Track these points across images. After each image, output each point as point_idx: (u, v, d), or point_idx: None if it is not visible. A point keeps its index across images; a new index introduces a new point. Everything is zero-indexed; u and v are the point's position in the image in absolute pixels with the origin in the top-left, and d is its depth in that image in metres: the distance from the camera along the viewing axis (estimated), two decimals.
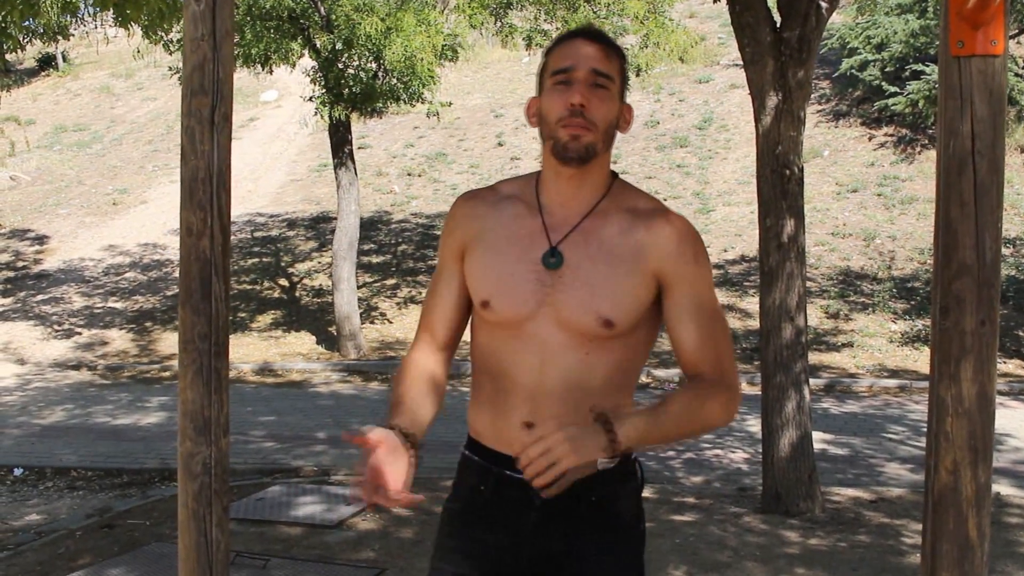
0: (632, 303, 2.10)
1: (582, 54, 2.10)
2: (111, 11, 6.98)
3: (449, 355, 2.31)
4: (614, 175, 2.21)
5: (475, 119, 23.83)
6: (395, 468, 1.94)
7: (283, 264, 18.24)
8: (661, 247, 2.11)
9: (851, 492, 7.13)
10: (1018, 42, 20.59)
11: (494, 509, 2.20)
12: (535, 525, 2.16)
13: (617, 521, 2.19)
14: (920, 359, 12.92)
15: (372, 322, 15.41)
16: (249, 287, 17.24)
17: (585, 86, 2.07)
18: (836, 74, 21.64)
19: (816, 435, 6.89)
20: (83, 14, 12.75)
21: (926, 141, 19.34)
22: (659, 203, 2.21)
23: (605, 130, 2.10)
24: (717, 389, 2.11)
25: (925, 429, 2.10)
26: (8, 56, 9.00)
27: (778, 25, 6.30)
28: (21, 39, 8.54)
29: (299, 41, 13.56)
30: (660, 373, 12.64)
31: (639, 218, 2.14)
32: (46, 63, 32.86)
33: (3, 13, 6.93)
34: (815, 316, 14.08)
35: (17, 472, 8.62)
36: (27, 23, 9.10)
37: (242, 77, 17.47)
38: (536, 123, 2.16)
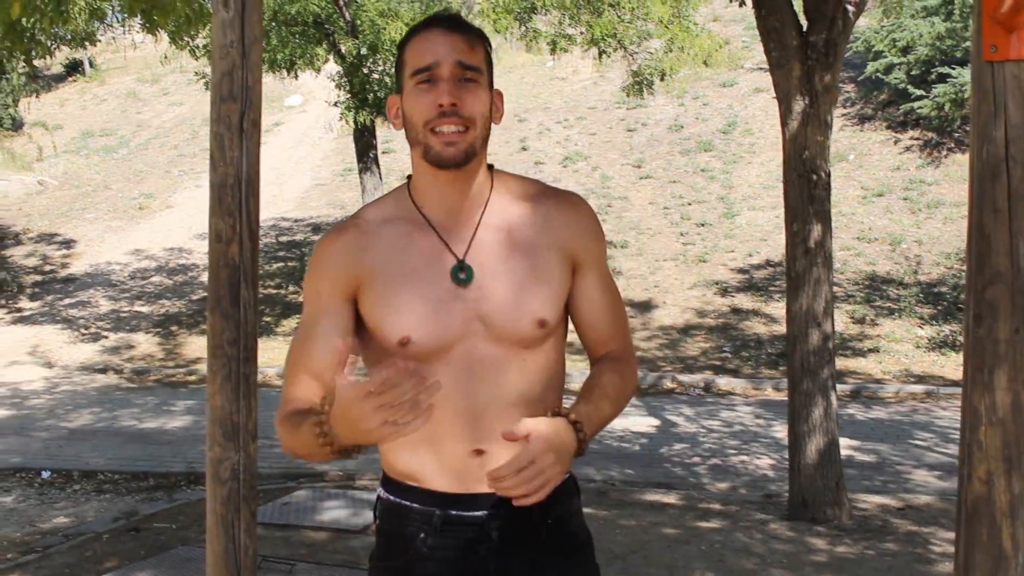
0: (558, 292, 1.96)
1: (444, 47, 1.87)
2: (138, 17, 7.03)
3: None
4: (489, 166, 2.02)
5: (499, 124, 23.83)
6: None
7: (308, 268, 18.31)
8: (571, 228, 1.98)
9: (878, 499, 7.08)
10: None
11: (444, 557, 1.97)
12: (495, 562, 1.97)
13: (575, 540, 2.05)
14: (947, 364, 12.82)
15: None
16: (274, 291, 17.31)
17: (452, 83, 1.86)
18: (861, 77, 21.53)
19: (843, 441, 6.84)
20: (111, 20, 12.85)
21: (952, 145, 19.20)
22: (547, 184, 2.08)
23: (483, 125, 1.90)
24: (627, 364, 2.04)
25: (953, 435, 2.08)
26: (36, 62, 9.07)
27: (804, 29, 6.27)
28: (50, 45, 8.61)
29: (324, 46, 13.63)
30: (684, 378, 12.59)
31: (538, 202, 2.00)
32: (73, 69, 33.12)
33: (33, 20, 6.99)
34: (841, 321, 13.99)
35: (45, 475, 8.68)
36: (55, 29, 9.17)
37: (267, 82, 17.53)
38: (400, 125, 1.95)
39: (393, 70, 13.49)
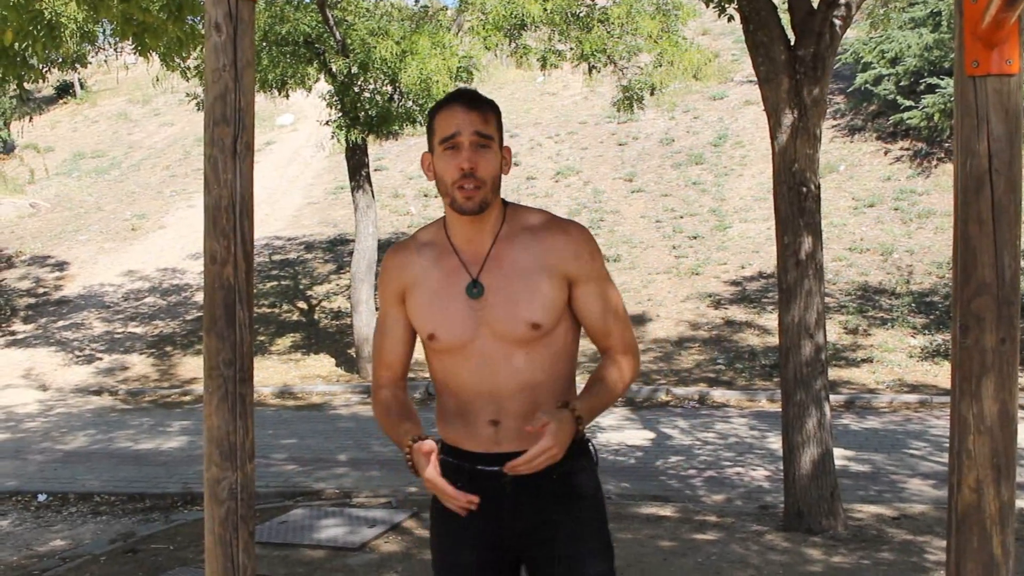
0: (551, 304, 2.50)
1: (464, 120, 2.44)
2: (130, 40, 7.05)
3: (406, 382, 2.75)
4: (504, 203, 2.58)
5: (507, 174, 23.86)
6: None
7: (301, 287, 18.31)
8: (562, 253, 2.51)
9: (873, 509, 7.09)
10: None
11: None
12: (510, 507, 2.53)
13: (579, 491, 2.57)
14: (940, 373, 12.85)
15: None
16: (268, 310, 17.31)
17: (471, 150, 2.43)
18: (851, 89, 21.63)
19: (837, 452, 6.86)
20: (102, 43, 12.88)
21: (942, 154, 19.29)
22: (549, 214, 2.61)
23: (492, 182, 2.47)
24: (626, 359, 2.60)
25: (947, 444, 2.10)
26: (27, 84, 9.09)
27: (792, 43, 6.31)
28: (41, 69, 8.64)
29: (315, 65, 13.65)
30: (679, 391, 12.61)
31: (537, 233, 2.54)
32: (64, 91, 33.16)
33: (25, 45, 7.01)
34: (834, 332, 14.03)
35: (41, 498, 8.67)
36: (47, 52, 9.19)
37: (258, 101, 17.51)
38: (432, 178, 2.54)
39: (377, 88, 13.62)
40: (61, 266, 20.29)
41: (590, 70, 13.73)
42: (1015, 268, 2.02)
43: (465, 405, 2.54)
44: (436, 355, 2.57)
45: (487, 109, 2.49)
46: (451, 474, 2.50)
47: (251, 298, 2.46)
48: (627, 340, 2.62)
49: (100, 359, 15.81)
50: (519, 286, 2.48)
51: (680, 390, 12.65)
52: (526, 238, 2.53)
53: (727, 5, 7.55)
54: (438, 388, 2.63)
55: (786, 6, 6.48)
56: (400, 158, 23.70)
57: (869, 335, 14.36)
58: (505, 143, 2.55)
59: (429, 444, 2.40)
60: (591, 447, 2.64)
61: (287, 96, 14.16)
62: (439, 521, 2.64)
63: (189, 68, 12.45)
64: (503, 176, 2.54)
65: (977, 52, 2.03)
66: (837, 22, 6.21)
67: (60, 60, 11.42)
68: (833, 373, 12.35)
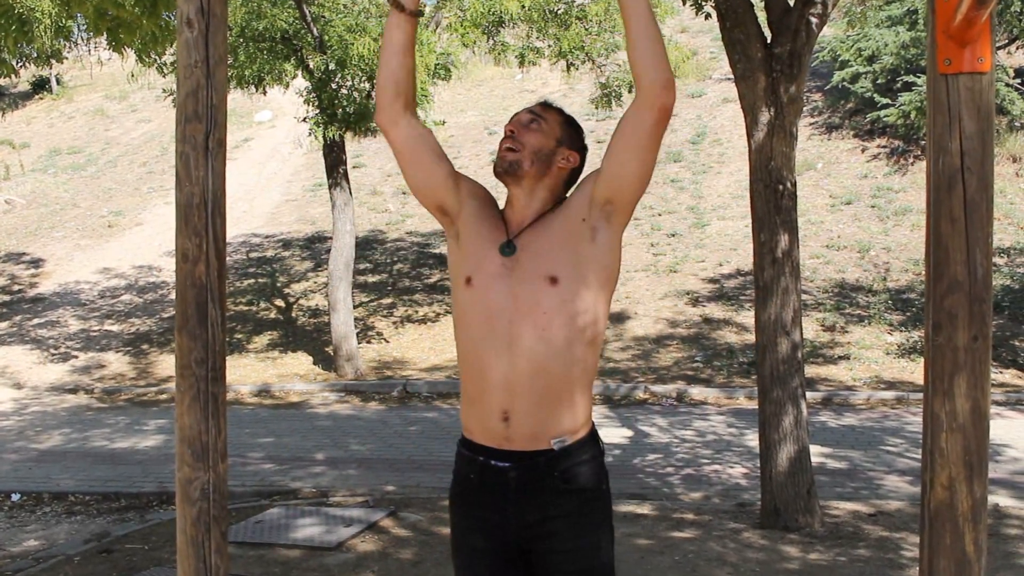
0: (568, 258, 2.57)
1: (524, 111, 2.73)
2: (104, 35, 6.99)
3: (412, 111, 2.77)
4: (566, 195, 2.73)
5: (469, 136, 23.87)
6: None
7: (279, 285, 18.24)
8: (578, 203, 2.62)
9: (850, 506, 7.13)
10: (1008, 52, 20.68)
11: (482, 492, 2.64)
12: (514, 502, 2.60)
13: (581, 484, 2.63)
14: (917, 370, 12.91)
15: (369, 342, 15.40)
16: (245, 308, 17.23)
17: (518, 124, 2.68)
18: (828, 87, 21.71)
19: (814, 449, 6.88)
20: (76, 38, 12.79)
21: (919, 152, 19.39)
22: None
23: (533, 152, 2.65)
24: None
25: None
26: (1, 80, 9.01)
27: (769, 41, 6.33)
28: (15, 64, 8.56)
29: (292, 62, 13.59)
30: (657, 388, 12.63)
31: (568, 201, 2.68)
32: (40, 86, 32.88)
33: None
34: (811, 329, 14.08)
35: (15, 498, 8.60)
36: (20, 46, 9.11)
37: (236, 98, 17.47)
38: None
39: (355, 85, 13.56)
40: (36, 263, 20.14)
41: (568, 67, 13.74)
42: (987, 266, 2.03)
43: (481, 391, 2.60)
44: (464, 314, 2.63)
45: (549, 107, 2.76)
46: (464, 465, 2.68)
47: (223, 296, 2.45)
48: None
49: (75, 357, 15.69)
50: (546, 247, 2.59)
51: (658, 387, 12.66)
52: (563, 210, 2.67)
53: (704, 3, 7.56)
54: (462, 368, 2.68)
55: (763, 4, 6.50)
56: (378, 155, 23.64)
57: (846, 332, 14.42)
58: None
59: None
60: (596, 440, 2.71)
61: (264, 92, 14.09)
62: (454, 506, 2.76)
63: (165, 64, 12.37)
64: (561, 171, 2.69)
65: (949, 50, 2.03)
66: (813, 20, 6.23)
67: (34, 55, 11.32)
68: (810, 370, 12.40)
